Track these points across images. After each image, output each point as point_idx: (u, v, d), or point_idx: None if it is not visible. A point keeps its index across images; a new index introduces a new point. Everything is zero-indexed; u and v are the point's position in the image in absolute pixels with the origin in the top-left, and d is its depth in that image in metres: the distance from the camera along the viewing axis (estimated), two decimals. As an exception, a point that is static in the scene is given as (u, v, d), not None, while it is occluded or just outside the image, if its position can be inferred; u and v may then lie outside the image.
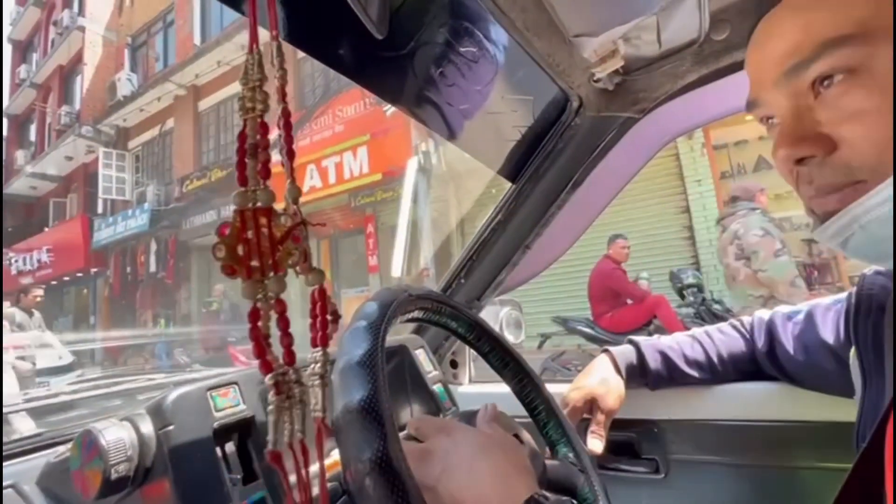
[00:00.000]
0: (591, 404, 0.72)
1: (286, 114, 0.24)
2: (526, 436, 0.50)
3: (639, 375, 0.75)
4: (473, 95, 0.63)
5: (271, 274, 0.21)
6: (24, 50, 15.91)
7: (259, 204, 0.21)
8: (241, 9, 0.37)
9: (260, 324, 0.21)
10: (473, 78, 0.60)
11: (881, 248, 0.34)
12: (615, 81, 0.68)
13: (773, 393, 0.70)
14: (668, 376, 0.75)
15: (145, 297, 11.14)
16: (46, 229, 13.47)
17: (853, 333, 0.50)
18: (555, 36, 0.56)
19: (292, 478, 0.23)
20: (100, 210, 12.04)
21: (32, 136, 15.02)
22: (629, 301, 3.91)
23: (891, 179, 0.32)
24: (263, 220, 0.21)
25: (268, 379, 0.21)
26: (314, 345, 0.25)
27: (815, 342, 0.63)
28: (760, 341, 0.71)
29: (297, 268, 0.23)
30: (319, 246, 8.36)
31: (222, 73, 10.06)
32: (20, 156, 14.50)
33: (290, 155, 0.24)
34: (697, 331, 0.78)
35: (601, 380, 0.74)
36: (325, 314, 0.24)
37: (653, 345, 0.77)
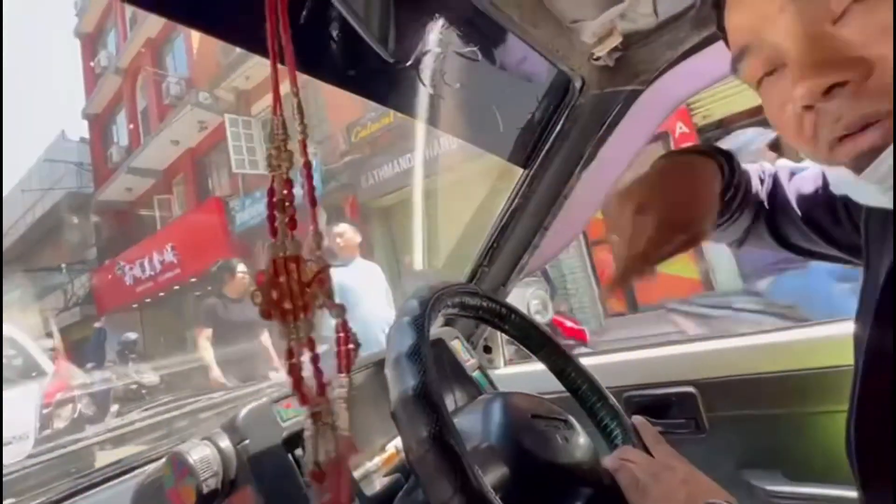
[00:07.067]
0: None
1: (307, 166, 0.27)
2: (573, 421, 0.53)
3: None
4: (478, 92, 0.64)
5: (302, 316, 0.24)
6: (94, 42, 13.70)
7: (288, 253, 0.24)
8: (263, 53, 0.39)
9: (294, 360, 0.24)
10: (477, 76, 0.61)
11: None
12: (615, 57, 0.68)
13: (803, 341, 0.71)
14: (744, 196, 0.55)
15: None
16: (157, 230, 11.19)
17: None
18: (552, 24, 0.57)
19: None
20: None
21: (114, 137, 13.00)
22: None
23: None
24: (293, 267, 0.24)
25: (306, 410, 0.25)
26: (339, 371, 0.28)
27: (816, 198, 0.53)
28: (765, 192, 0.58)
29: (325, 306, 0.26)
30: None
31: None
32: (114, 153, 12.39)
33: (312, 204, 0.26)
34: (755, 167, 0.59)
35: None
36: (347, 344, 0.28)
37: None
